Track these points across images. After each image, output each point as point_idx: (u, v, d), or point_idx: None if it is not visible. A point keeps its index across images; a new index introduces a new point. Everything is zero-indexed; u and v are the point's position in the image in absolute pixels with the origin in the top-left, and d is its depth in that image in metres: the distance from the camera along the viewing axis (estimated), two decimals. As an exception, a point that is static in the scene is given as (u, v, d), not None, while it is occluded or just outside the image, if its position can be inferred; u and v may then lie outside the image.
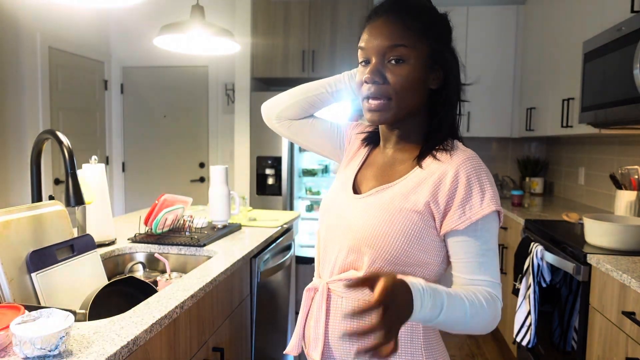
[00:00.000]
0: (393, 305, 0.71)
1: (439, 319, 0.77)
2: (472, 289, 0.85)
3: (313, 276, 1.09)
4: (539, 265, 2.08)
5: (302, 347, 1.05)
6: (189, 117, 4.55)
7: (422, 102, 0.94)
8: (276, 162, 3.76)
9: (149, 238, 1.81)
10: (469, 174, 0.86)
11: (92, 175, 1.65)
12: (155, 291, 1.34)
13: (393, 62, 0.89)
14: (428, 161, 0.92)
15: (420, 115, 0.95)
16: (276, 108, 1.16)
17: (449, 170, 0.88)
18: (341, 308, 0.95)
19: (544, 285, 2.10)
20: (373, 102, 0.91)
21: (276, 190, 3.77)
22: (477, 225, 0.85)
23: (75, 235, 1.42)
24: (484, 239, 0.86)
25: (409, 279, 0.77)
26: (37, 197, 1.46)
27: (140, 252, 1.78)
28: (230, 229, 2.01)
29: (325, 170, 4.14)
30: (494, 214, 0.87)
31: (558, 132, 2.92)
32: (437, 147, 0.92)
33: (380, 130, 1.03)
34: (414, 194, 0.90)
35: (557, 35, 3.00)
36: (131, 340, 0.94)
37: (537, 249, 2.11)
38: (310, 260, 2.78)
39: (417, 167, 0.92)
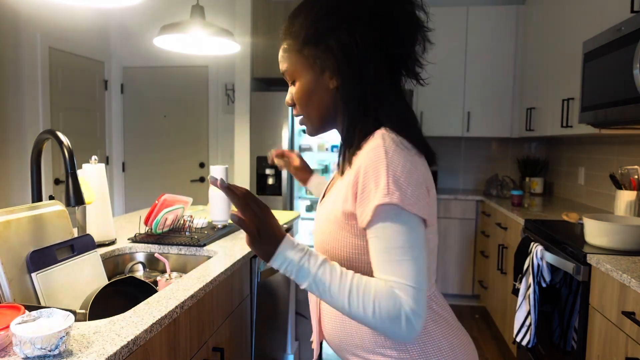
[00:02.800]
0: (263, 226, 0.78)
1: (302, 278, 0.78)
2: (377, 283, 0.77)
3: None
4: (538, 265, 2.08)
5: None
6: (189, 117, 4.55)
7: (331, 105, 0.93)
8: (276, 162, 3.76)
9: (149, 238, 1.82)
10: (367, 166, 0.81)
11: (92, 175, 1.65)
12: (155, 291, 1.34)
13: (293, 84, 0.96)
14: (353, 162, 0.87)
15: (340, 118, 0.93)
16: None
17: (354, 167, 0.84)
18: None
19: (543, 285, 2.10)
20: (298, 121, 1.00)
21: (276, 190, 3.78)
22: (374, 221, 0.79)
23: (75, 235, 1.42)
24: (385, 236, 0.78)
25: (287, 242, 0.79)
26: (37, 197, 1.46)
27: (140, 252, 1.78)
28: (230, 229, 2.01)
29: (326, 170, 4.14)
30: (393, 207, 0.77)
31: (558, 132, 2.92)
32: (360, 145, 0.86)
33: None
34: (338, 198, 0.88)
35: (557, 35, 3.00)
36: (131, 340, 0.94)
37: (537, 249, 2.11)
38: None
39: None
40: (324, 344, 3.04)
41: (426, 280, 0.77)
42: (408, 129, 0.86)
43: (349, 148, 0.89)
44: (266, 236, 0.79)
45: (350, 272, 0.79)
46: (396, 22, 0.86)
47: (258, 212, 0.79)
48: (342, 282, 0.77)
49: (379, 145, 0.81)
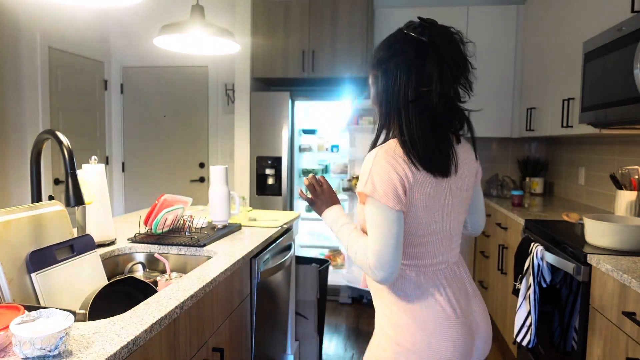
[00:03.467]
0: (319, 197, 1.31)
1: (334, 230, 1.23)
2: (364, 242, 1.13)
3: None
4: (539, 265, 2.08)
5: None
6: (189, 117, 4.55)
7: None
8: (276, 162, 3.76)
9: (148, 238, 1.81)
10: (365, 163, 1.15)
11: (92, 175, 1.65)
12: (155, 291, 1.34)
13: None
14: None
15: None
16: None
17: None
18: None
19: (544, 285, 2.09)
20: None
21: (276, 190, 3.77)
22: (365, 202, 1.13)
23: (75, 235, 1.42)
24: (367, 213, 1.13)
25: (336, 207, 1.27)
26: (37, 197, 1.46)
27: (140, 252, 1.78)
28: (230, 229, 2.00)
29: (326, 170, 4.14)
30: (367, 195, 1.11)
31: (558, 132, 2.92)
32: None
33: None
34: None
35: (557, 35, 3.00)
36: (131, 340, 0.94)
37: (537, 249, 2.10)
38: (309, 260, 2.79)
39: None
40: (324, 346, 3.05)
41: (387, 247, 1.08)
42: (414, 144, 1.11)
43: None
44: (320, 204, 1.30)
45: (356, 233, 1.18)
46: (430, 70, 1.10)
47: (318, 188, 1.31)
48: (347, 238, 1.18)
49: (376, 150, 1.15)
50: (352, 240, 1.16)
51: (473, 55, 1.15)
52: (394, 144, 1.13)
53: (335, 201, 1.29)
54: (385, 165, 1.10)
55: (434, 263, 1.19)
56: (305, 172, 4.07)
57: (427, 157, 1.11)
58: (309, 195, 1.33)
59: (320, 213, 1.29)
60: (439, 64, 1.09)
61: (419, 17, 1.16)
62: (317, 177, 1.33)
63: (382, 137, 1.22)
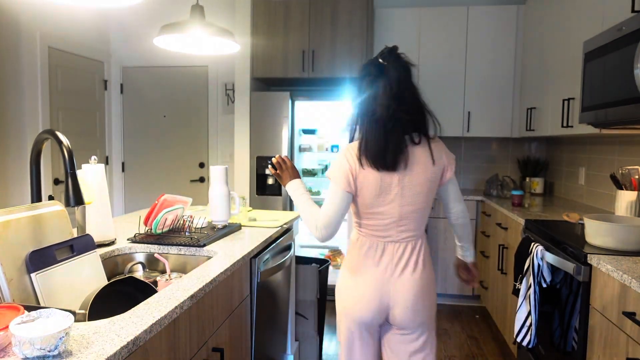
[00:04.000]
0: (285, 171, 1.65)
1: (293, 197, 1.59)
2: (317, 209, 1.55)
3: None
4: (539, 265, 2.08)
5: None
6: (189, 117, 4.55)
7: None
8: (276, 162, 3.75)
9: (148, 238, 1.81)
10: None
11: (91, 175, 1.64)
12: (155, 291, 1.34)
13: None
14: None
15: None
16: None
17: None
18: None
19: (544, 285, 2.09)
20: None
21: (276, 190, 3.77)
22: None
23: (75, 235, 1.42)
24: (328, 191, 1.53)
25: (297, 180, 1.62)
26: (36, 197, 1.46)
27: (140, 252, 1.78)
28: (230, 229, 2.00)
29: (326, 170, 4.14)
30: (330, 179, 1.52)
31: (558, 132, 2.92)
32: None
33: None
34: None
35: (557, 35, 3.00)
36: (131, 340, 0.94)
37: (537, 249, 2.10)
38: (309, 261, 2.78)
39: None
40: (324, 346, 3.04)
41: (334, 215, 1.50)
42: (368, 145, 1.46)
43: None
44: (285, 177, 1.63)
45: (310, 202, 1.56)
46: (380, 87, 1.45)
47: (284, 165, 1.64)
48: (304, 204, 1.56)
49: (343, 147, 1.54)
50: (307, 206, 1.55)
51: (418, 76, 1.48)
52: (355, 144, 1.50)
53: (297, 176, 1.64)
54: (342, 158, 1.50)
55: (381, 236, 1.54)
56: (306, 172, 4.07)
57: (377, 155, 1.44)
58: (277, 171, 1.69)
59: (284, 184, 1.64)
60: (385, 82, 1.44)
61: (386, 46, 1.50)
62: (283, 156, 1.67)
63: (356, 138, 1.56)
